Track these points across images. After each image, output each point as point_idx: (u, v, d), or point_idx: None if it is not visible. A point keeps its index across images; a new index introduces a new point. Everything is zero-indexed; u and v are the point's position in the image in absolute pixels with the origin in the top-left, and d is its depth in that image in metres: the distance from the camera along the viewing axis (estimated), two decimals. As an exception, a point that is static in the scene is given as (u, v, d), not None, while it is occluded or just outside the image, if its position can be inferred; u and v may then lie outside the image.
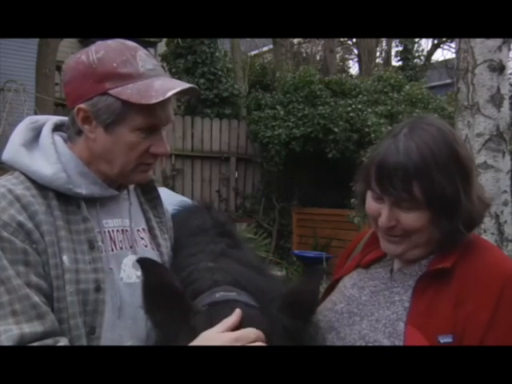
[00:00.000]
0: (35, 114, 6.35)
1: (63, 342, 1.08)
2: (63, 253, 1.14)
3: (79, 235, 1.18)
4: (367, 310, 1.23)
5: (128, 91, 1.16)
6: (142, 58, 1.21)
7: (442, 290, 1.14)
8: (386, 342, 1.14)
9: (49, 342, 1.06)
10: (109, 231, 1.25)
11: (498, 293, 1.10)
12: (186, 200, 1.71)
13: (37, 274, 1.10)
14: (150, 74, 1.19)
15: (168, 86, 1.18)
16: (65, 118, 1.30)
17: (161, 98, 1.14)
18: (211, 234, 1.36)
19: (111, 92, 1.16)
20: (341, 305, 1.28)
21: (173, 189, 7.43)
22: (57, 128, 1.29)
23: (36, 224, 1.12)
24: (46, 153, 1.21)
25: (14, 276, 1.07)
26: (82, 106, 1.19)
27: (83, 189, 1.20)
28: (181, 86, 1.20)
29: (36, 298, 1.08)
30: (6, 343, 1.03)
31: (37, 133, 1.26)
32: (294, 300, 1.08)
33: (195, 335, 0.99)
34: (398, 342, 1.13)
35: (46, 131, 1.25)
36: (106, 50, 1.19)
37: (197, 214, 1.49)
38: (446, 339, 1.09)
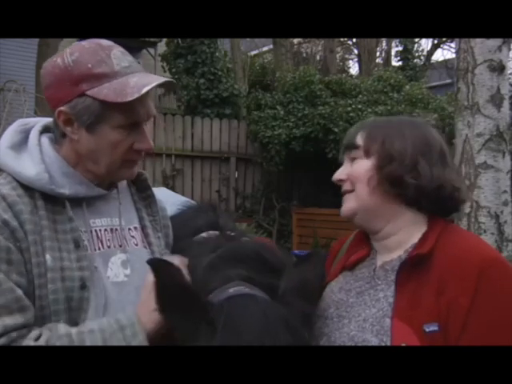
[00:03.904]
0: (35, 113, 6.36)
1: (45, 334, 1.08)
2: (46, 252, 1.15)
3: (65, 234, 1.19)
4: (354, 311, 1.24)
5: (104, 91, 1.17)
6: (117, 56, 1.22)
7: (422, 279, 1.15)
8: (374, 340, 1.15)
9: (24, 331, 1.07)
10: (96, 230, 1.26)
11: (477, 277, 1.10)
12: (189, 200, 1.72)
13: (18, 272, 1.11)
14: (125, 72, 1.20)
15: (143, 82, 1.18)
16: None
17: (136, 95, 1.15)
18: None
19: (88, 93, 1.17)
20: (330, 310, 1.29)
21: (173, 189, 7.43)
22: (46, 130, 1.30)
23: (20, 223, 1.14)
24: (32, 154, 1.22)
25: None
26: (62, 108, 1.20)
27: (67, 189, 1.22)
28: (156, 80, 1.21)
29: (20, 292, 1.09)
30: None
31: (26, 135, 1.27)
32: (304, 287, 1.10)
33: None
34: (386, 338, 1.13)
35: (34, 133, 1.27)
36: (81, 52, 1.20)
37: (202, 214, 1.50)
38: (431, 328, 1.10)
